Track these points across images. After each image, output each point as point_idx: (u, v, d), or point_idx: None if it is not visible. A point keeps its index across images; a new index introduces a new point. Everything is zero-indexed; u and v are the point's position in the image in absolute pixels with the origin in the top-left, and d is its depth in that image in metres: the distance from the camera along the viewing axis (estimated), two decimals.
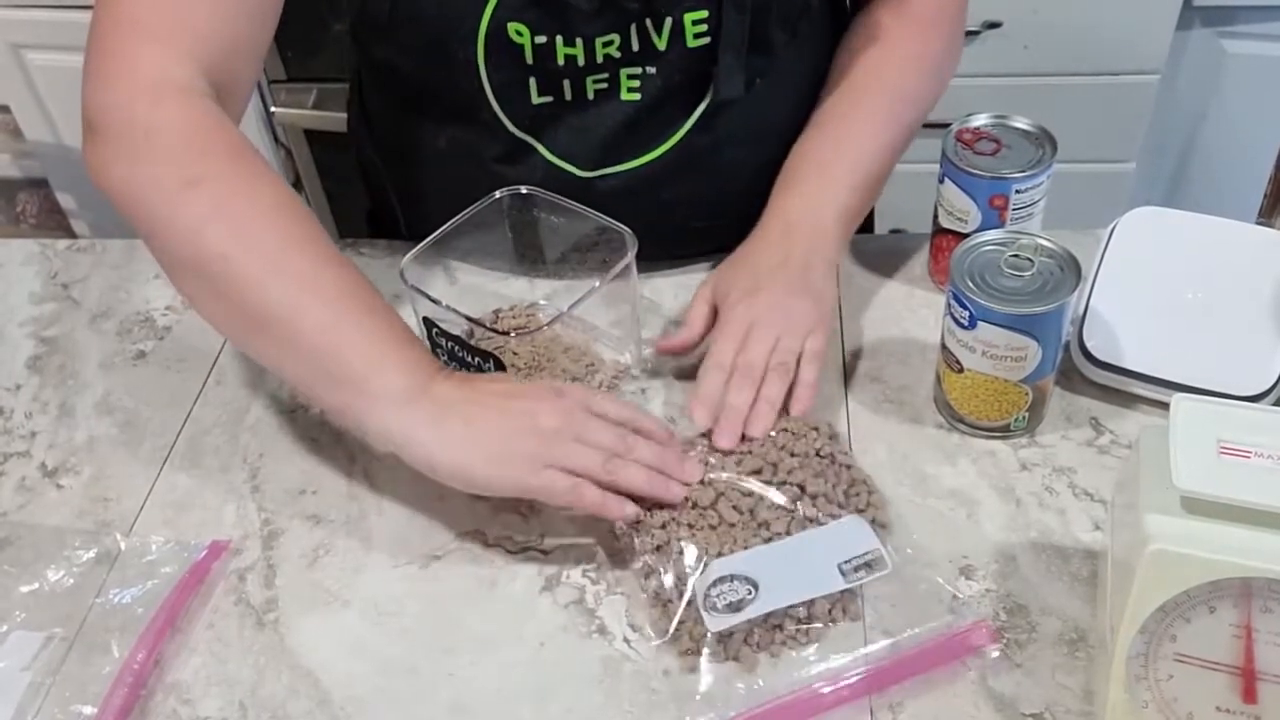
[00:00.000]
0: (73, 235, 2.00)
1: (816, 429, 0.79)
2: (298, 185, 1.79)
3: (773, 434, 0.78)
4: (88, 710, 0.69)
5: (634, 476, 0.73)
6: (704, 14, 0.83)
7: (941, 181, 0.88)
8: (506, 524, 0.78)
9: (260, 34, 0.81)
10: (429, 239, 0.84)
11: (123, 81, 0.76)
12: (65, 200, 1.98)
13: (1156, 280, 0.86)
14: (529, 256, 0.93)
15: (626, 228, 0.82)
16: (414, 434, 0.72)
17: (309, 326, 0.73)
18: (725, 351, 0.80)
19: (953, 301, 0.77)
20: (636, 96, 0.87)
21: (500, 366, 0.79)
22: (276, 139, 1.74)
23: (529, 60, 0.83)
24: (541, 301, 0.93)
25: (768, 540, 0.72)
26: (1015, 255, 0.77)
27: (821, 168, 0.88)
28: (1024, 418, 0.81)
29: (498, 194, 0.87)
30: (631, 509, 0.73)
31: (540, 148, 0.89)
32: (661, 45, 0.84)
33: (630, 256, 0.81)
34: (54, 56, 1.76)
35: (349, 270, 0.76)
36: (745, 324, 0.81)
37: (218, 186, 0.75)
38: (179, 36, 0.77)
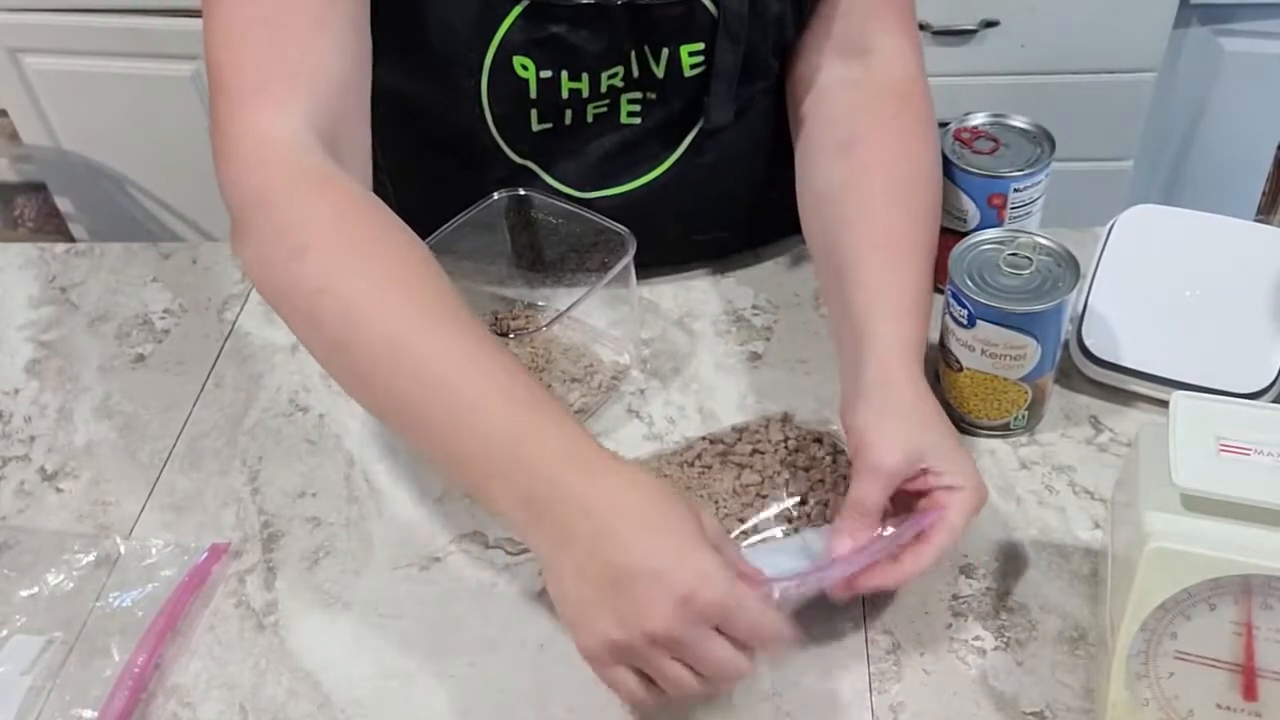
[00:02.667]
0: (71, 239, 2.00)
1: (819, 439, 0.80)
2: None
3: (774, 443, 0.78)
4: (88, 714, 0.69)
5: (691, 689, 0.61)
6: (700, 46, 0.83)
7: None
8: (507, 526, 0.78)
9: (360, 75, 0.74)
10: (428, 241, 0.83)
11: (231, 152, 0.70)
12: (63, 204, 1.98)
13: (1155, 278, 0.86)
14: (527, 258, 0.93)
15: (625, 228, 0.82)
16: (539, 552, 0.63)
17: (433, 435, 0.65)
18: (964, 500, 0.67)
19: (951, 300, 0.77)
20: (636, 121, 0.87)
21: None
22: None
23: (532, 95, 0.83)
24: (540, 303, 0.93)
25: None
26: (1014, 254, 0.77)
27: (900, 302, 0.75)
28: (1023, 416, 0.81)
29: (496, 196, 0.87)
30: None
31: (540, 173, 0.89)
32: (660, 74, 0.84)
33: (629, 257, 0.81)
34: (52, 60, 1.76)
35: (466, 343, 0.65)
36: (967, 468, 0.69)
37: (324, 256, 0.66)
38: (280, 90, 0.70)
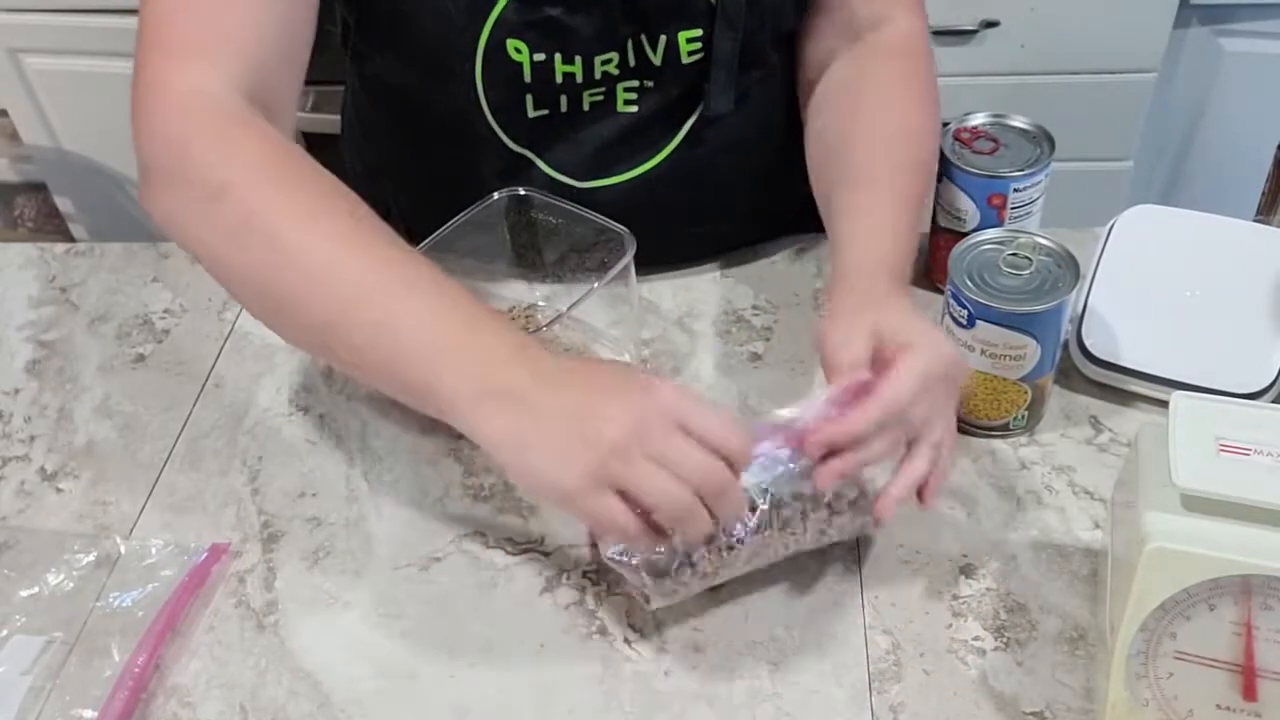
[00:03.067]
0: (71, 239, 2.00)
1: None
2: None
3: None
4: (88, 714, 0.69)
5: (702, 531, 0.62)
6: (698, 31, 0.83)
7: (940, 181, 0.88)
8: (507, 525, 0.78)
9: (299, 46, 0.76)
10: (427, 241, 0.84)
11: (156, 102, 0.71)
12: (63, 204, 1.98)
13: (1155, 278, 0.86)
14: (527, 258, 0.93)
15: (625, 228, 0.82)
16: (492, 436, 0.63)
17: (364, 339, 0.66)
18: (906, 402, 0.67)
19: (951, 300, 0.77)
20: (633, 109, 0.87)
21: None
22: None
23: (527, 79, 0.83)
24: (540, 303, 0.93)
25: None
26: (1014, 254, 0.77)
27: (893, 233, 0.77)
28: (1023, 416, 0.81)
29: (495, 195, 0.87)
30: (662, 544, 0.65)
31: (537, 161, 0.89)
32: (657, 62, 0.84)
33: (629, 257, 0.81)
34: (52, 61, 1.76)
35: (399, 254, 0.67)
36: (928, 383, 0.68)
37: (247, 192, 0.68)
38: (209, 50, 0.72)
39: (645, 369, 0.89)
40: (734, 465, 0.62)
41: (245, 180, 0.68)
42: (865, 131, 0.84)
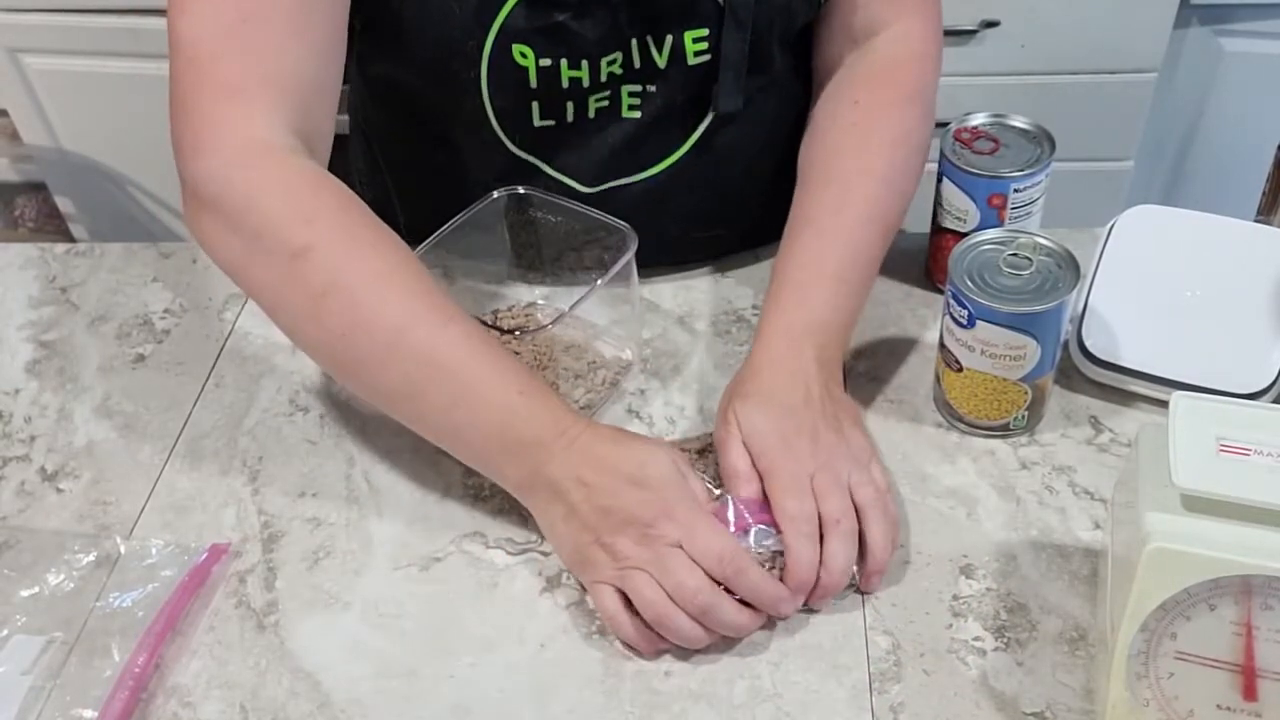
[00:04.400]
0: (71, 239, 2.00)
1: None
2: None
3: None
4: (88, 714, 0.69)
5: (688, 639, 0.68)
6: (704, 32, 0.83)
7: (940, 181, 0.88)
8: (507, 525, 0.78)
9: (334, 74, 0.78)
10: (428, 241, 0.84)
11: (213, 147, 0.73)
12: (63, 204, 1.98)
13: (1155, 278, 0.86)
14: (526, 257, 0.93)
15: (625, 224, 0.82)
16: (537, 517, 0.73)
17: (431, 411, 0.73)
18: (800, 509, 0.70)
19: (951, 300, 0.77)
20: (637, 114, 0.87)
21: None
22: None
23: (533, 84, 0.83)
24: (540, 302, 0.93)
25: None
26: (1014, 254, 0.77)
27: (820, 275, 0.80)
28: (1023, 416, 0.81)
29: (495, 194, 0.87)
30: (664, 649, 0.70)
31: (542, 165, 0.89)
32: (662, 63, 0.84)
33: (630, 254, 0.81)
34: (52, 61, 1.76)
35: (464, 332, 0.72)
36: (807, 475, 0.72)
37: (329, 255, 0.71)
38: (262, 92, 0.73)
39: (647, 367, 0.89)
40: (726, 578, 0.68)
41: (327, 242, 0.72)
42: (815, 158, 0.86)
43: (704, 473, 0.76)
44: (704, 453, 0.80)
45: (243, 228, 0.73)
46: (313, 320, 0.72)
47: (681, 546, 0.68)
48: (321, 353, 0.75)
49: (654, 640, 0.69)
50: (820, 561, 0.70)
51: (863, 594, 0.73)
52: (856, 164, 0.84)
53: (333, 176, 0.75)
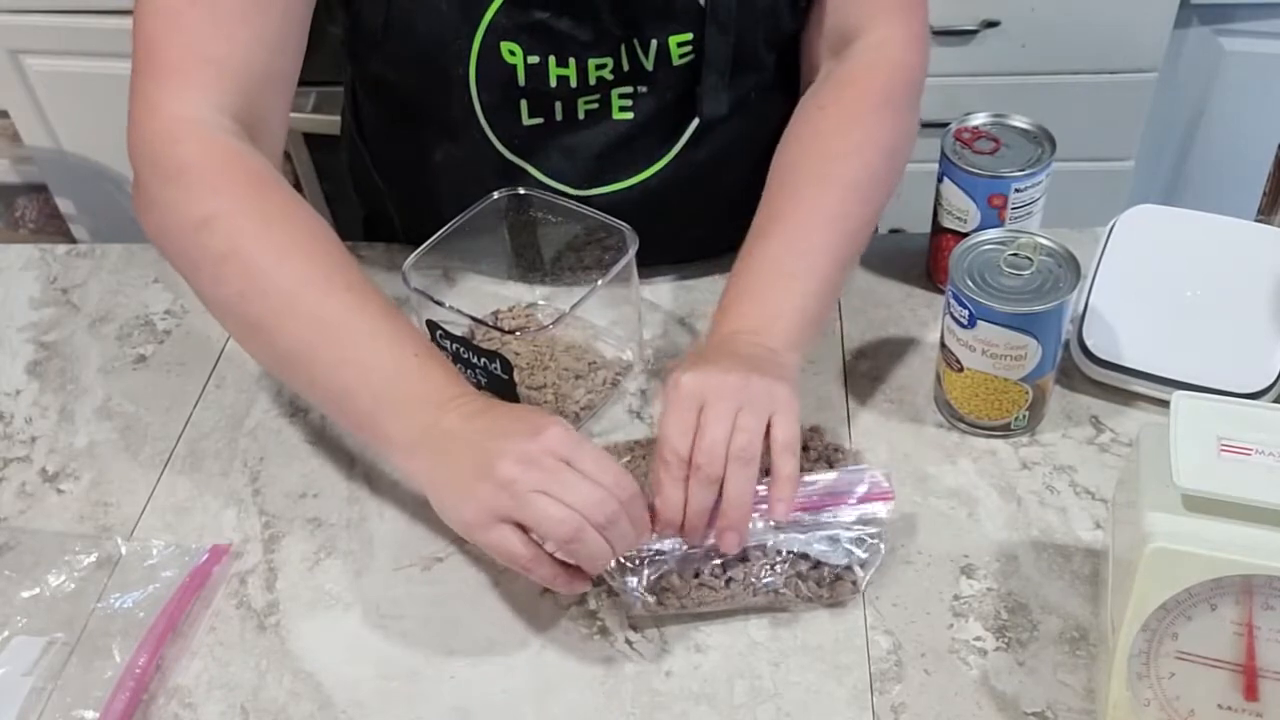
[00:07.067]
0: (72, 240, 2.00)
1: (811, 439, 0.80)
2: (296, 189, 1.79)
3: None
4: (89, 715, 0.69)
5: (597, 557, 0.66)
6: (688, 35, 0.83)
7: (940, 181, 0.88)
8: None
9: (284, 64, 0.80)
10: (428, 242, 0.84)
11: (148, 123, 0.76)
12: (64, 205, 1.98)
13: (1156, 278, 0.86)
14: (526, 257, 0.93)
15: (625, 224, 0.82)
16: (418, 476, 0.70)
17: (321, 373, 0.72)
18: (675, 439, 0.69)
19: (952, 301, 0.77)
20: (629, 115, 0.87)
21: (506, 365, 0.79)
22: None
23: (521, 82, 0.83)
24: (540, 302, 0.93)
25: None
26: (1014, 254, 0.77)
27: (778, 275, 0.78)
28: (1024, 416, 0.81)
29: (495, 195, 0.87)
30: (583, 586, 0.69)
31: (531, 169, 0.89)
32: (649, 66, 0.84)
33: (630, 254, 0.81)
34: (53, 62, 1.76)
35: (362, 298, 0.73)
36: (696, 401, 0.70)
37: (229, 226, 0.73)
38: (199, 73, 0.76)
39: (648, 367, 0.89)
40: (622, 500, 0.66)
41: (229, 211, 0.74)
42: (783, 164, 0.84)
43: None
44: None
45: (159, 199, 0.75)
46: (214, 285, 0.74)
47: (571, 465, 0.65)
48: (223, 316, 0.76)
49: (572, 572, 0.67)
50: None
51: (864, 593, 0.73)
52: (818, 170, 0.82)
53: (258, 154, 0.76)
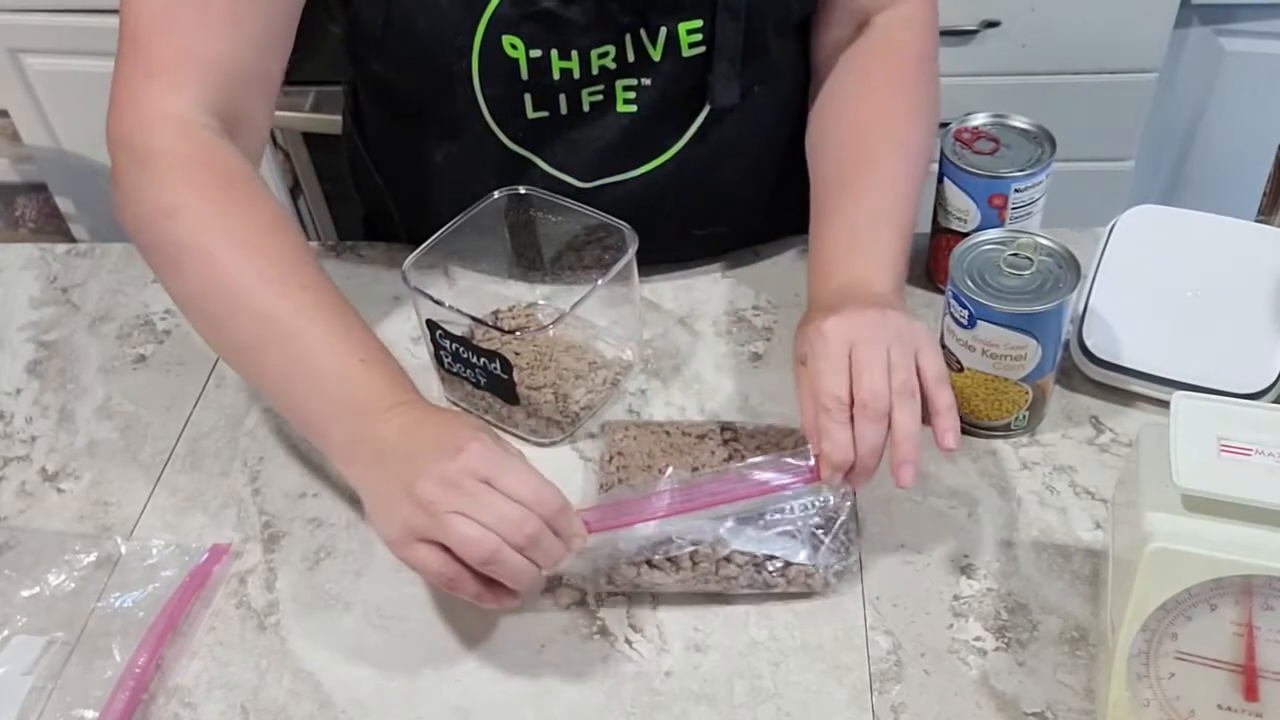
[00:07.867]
0: (72, 239, 2.00)
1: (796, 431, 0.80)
2: (296, 188, 1.79)
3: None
4: (89, 715, 0.69)
5: (519, 575, 0.65)
6: (699, 23, 0.83)
7: (940, 181, 0.88)
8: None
9: (271, 64, 0.81)
10: (428, 242, 0.84)
11: (129, 113, 0.77)
12: (64, 204, 1.98)
13: (1156, 278, 0.86)
14: (527, 257, 0.93)
15: (625, 224, 0.82)
16: (355, 484, 0.71)
17: (269, 371, 0.73)
18: (834, 384, 0.70)
19: (952, 301, 0.77)
20: (632, 108, 0.87)
21: (506, 365, 0.79)
22: (275, 142, 1.74)
23: (524, 75, 0.83)
24: (540, 301, 0.93)
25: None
26: (1014, 254, 0.77)
27: (877, 226, 0.81)
28: (1024, 416, 0.81)
29: (495, 195, 0.87)
30: (511, 602, 0.67)
31: (537, 160, 0.89)
32: (656, 56, 0.84)
33: (631, 253, 0.81)
34: (53, 61, 1.76)
35: (316, 300, 0.73)
36: (845, 345, 0.71)
37: (193, 219, 0.74)
38: (183, 70, 0.76)
39: (645, 368, 0.89)
40: (545, 515, 0.65)
41: (195, 203, 0.74)
42: (828, 132, 0.88)
43: (698, 458, 0.77)
44: (703, 438, 0.80)
45: (132, 185, 0.76)
46: (175, 275, 0.75)
47: (491, 484, 0.65)
48: (182, 307, 0.77)
49: (498, 589, 0.66)
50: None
51: (863, 593, 0.73)
52: (885, 129, 0.86)
53: (235, 151, 0.77)
